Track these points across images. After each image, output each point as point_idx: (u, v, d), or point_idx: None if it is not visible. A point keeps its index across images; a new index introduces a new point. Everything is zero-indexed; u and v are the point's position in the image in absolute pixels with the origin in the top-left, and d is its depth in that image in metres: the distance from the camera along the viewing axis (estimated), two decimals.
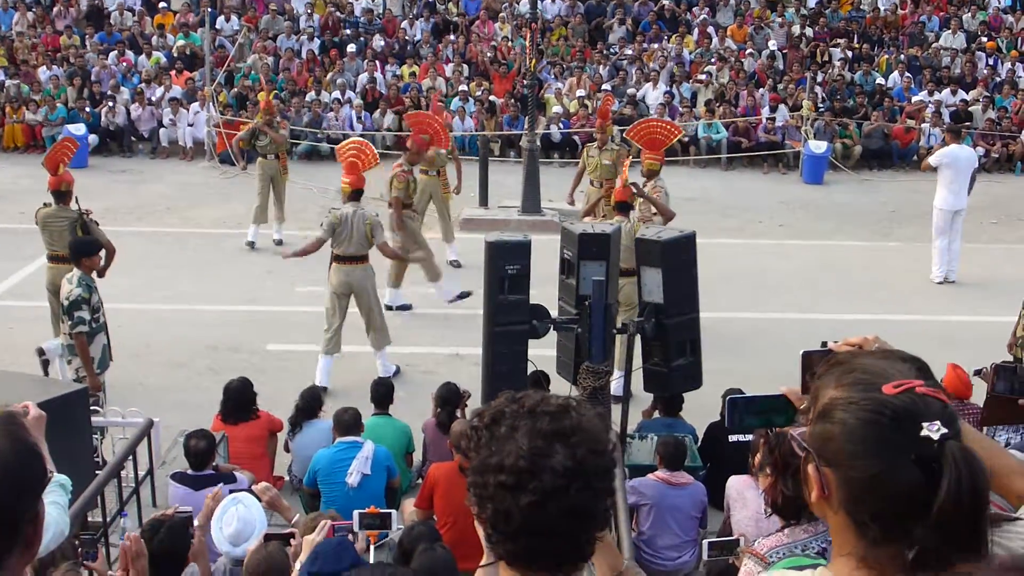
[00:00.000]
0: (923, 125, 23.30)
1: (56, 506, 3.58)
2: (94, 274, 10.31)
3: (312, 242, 11.65)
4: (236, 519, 5.70)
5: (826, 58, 26.17)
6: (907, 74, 25.30)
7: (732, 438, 8.78)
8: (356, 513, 5.49)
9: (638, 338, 8.82)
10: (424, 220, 14.90)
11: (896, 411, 1.82)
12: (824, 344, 7.41)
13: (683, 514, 7.98)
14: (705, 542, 6.14)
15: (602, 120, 15.03)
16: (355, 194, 11.69)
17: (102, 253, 10.84)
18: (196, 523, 5.87)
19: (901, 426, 1.81)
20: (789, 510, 3.90)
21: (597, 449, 2.14)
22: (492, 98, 23.80)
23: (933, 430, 1.78)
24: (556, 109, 23.31)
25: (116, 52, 25.44)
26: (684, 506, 7.99)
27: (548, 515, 2.08)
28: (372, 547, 4.83)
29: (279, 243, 16.18)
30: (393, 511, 5.25)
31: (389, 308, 13.34)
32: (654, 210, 12.06)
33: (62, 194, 11.48)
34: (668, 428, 9.29)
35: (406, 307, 13.98)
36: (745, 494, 7.50)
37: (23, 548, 2.19)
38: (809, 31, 27.19)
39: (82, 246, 10.23)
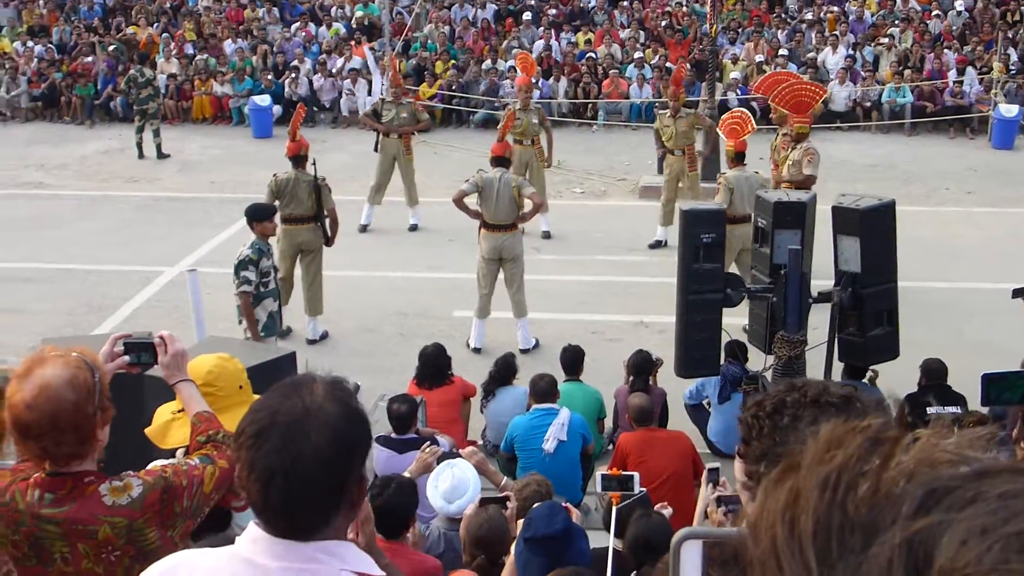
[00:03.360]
0: None
1: None
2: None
3: (457, 197, 11.60)
4: (451, 477, 5.84)
5: (1017, 17, 25.16)
6: None
7: (931, 410, 8.62)
8: (599, 474, 5.57)
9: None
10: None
11: None
12: (1015, 292, 7.20)
13: None
14: None
15: (675, 88, 15.11)
16: (497, 160, 11.78)
17: (277, 219, 11.22)
18: (408, 473, 6.02)
19: None
20: None
21: None
22: (668, 65, 23.58)
23: None
24: (734, 75, 22.97)
25: (297, 24, 26.03)
26: None
27: None
28: (614, 507, 4.86)
29: (414, 228, 16.01)
30: (635, 473, 5.27)
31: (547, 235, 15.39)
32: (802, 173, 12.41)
33: (301, 158, 12.02)
34: None
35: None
36: None
37: (348, 508, 2.29)
38: None
39: (255, 211, 10.58)
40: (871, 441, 0.85)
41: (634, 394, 8.74)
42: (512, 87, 22.85)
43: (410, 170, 16.00)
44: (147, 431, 4.17)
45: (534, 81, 18.07)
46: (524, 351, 11.46)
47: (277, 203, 11.64)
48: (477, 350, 11.62)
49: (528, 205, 11.73)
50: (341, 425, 2.24)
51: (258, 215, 10.49)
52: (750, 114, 13.21)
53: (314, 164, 12.04)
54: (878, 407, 2.15)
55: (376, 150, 16.10)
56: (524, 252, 11.99)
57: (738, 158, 12.46)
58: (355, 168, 19.55)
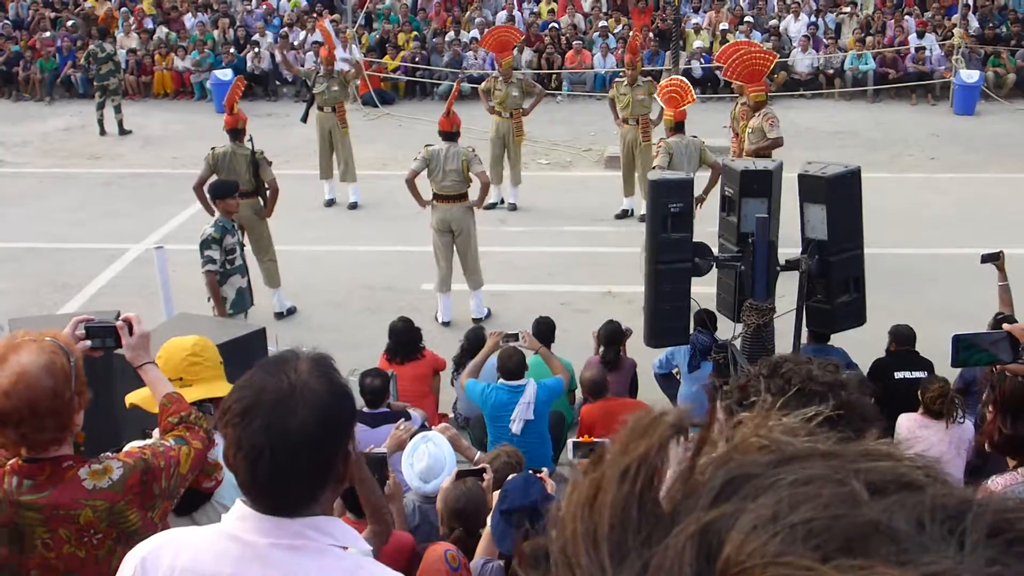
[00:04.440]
0: None
1: None
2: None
3: (409, 177, 11.70)
4: (427, 455, 5.84)
5: None
6: None
7: (899, 374, 8.70)
8: (570, 442, 5.59)
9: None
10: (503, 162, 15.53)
11: None
12: (984, 257, 7.27)
13: None
14: None
15: (632, 56, 15.10)
16: (445, 135, 11.78)
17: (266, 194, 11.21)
18: (383, 448, 6.02)
19: None
20: (1007, 448, 3.85)
21: (865, 429, 2.08)
22: (632, 33, 23.57)
23: None
24: (697, 44, 22.98)
25: None
26: None
27: None
28: None
29: (354, 206, 15.87)
30: (607, 440, 5.30)
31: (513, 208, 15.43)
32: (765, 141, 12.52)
33: (238, 132, 11.95)
34: (820, 354, 9.18)
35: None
36: (917, 433, 7.41)
37: (335, 484, 2.31)
38: None
39: (216, 189, 10.56)
40: (674, 430, 0.84)
41: (585, 367, 8.79)
42: (476, 58, 22.81)
43: (346, 144, 15.80)
44: (138, 401, 4.17)
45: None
46: (476, 320, 11.49)
47: (214, 177, 11.62)
48: (446, 324, 11.66)
49: (476, 188, 11.79)
50: (327, 402, 2.26)
51: (219, 192, 10.45)
52: (690, 84, 13.23)
53: (251, 139, 11.95)
54: (862, 390, 2.15)
55: (304, 120, 15.88)
56: (486, 224, 12.04)
57: (677, 127, 12.44)
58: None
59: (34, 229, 15.00)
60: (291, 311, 12.18)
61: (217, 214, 10.35)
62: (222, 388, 4.19)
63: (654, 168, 11.54)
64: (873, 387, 2.31)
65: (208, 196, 10.69)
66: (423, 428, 6.96)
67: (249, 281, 10.78)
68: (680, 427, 0.84)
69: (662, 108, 13.22)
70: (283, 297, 12.18)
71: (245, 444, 2.22)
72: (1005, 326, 3.03)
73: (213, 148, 11.98)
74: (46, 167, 18.55)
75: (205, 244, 10.15)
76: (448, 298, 11.82)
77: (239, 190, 11.37)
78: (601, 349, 9.17)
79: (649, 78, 15.20)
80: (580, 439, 5.89)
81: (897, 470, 0.78)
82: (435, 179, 11.58)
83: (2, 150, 19.66)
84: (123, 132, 20.40)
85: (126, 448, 3.58)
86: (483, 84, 15.88)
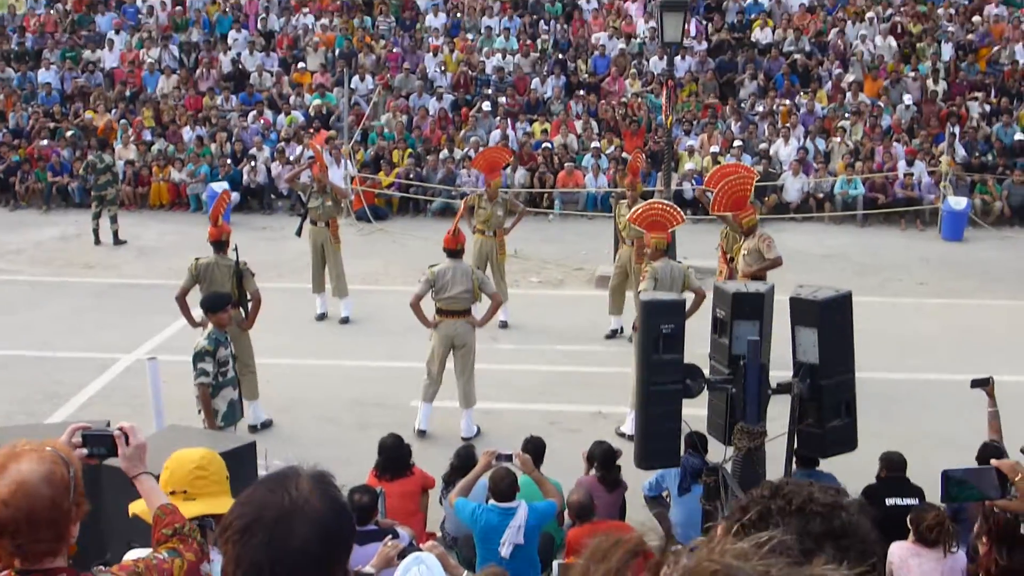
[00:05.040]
0: None
1: None
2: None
3: (413, 301, 11.79)
4: None
5: (963, 111, 25.69)
6: None
7: (890, 501, 8.66)
8: (556, 564, 5.53)
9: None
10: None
11: None
12: (974, 383, 7.35)
13: None
14: None
15: (632, 177, 15.18)
16: (450, 253, 11.95)
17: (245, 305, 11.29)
18: (370, 567, 5.96)
19: None
20: None
21: (866, 551, 2.08)
22: (624, 155, 23.87)
23: None
24: (689, 166, 23.26)
25: (255, 112, 26.13)
26: None
27: None
28: None
29: (345, 321, 15.87)
30: None
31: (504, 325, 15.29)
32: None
33: (222, 243, 12.04)
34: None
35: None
36: (909, 562, 7.37)
37: None
38: (944, 84, 26.70)
39: (211, 301, 10.61)
40: (631, 555, 0.86)
41: (572, 491, 8.75)
42: (469, 176, 23.04)
43: (337, 259, 15.81)
44: (140, 512, 4.15)
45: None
46: (466, 439, 11.45)
47: (197, 287, 11.81)
48: (422, 432, 11.68)
49: (485, 303, 11.98)
50: (327, 519, 2.26)
51: (212, 306, 10.51)
52: (676, 207, 12.97)
53: (235, 249, 12.05)
54: (862, 513, 2.15)
55: (298, 234, 16.02)
56: (477, 341, 12.11)
57: (663, 251, 12.10)
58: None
59: (24, 337, 15.00)
60: (266, 424, 12.10)
61: (210, 326, 10.39)
62: (226, 505, 4.19)
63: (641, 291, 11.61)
64: (873, 511, 2.31)
65: (201, 309, 10.73)
66: (411, 547, 6.89)
67: (240, 393, 10.78)
68: (638, 552, 0.86)
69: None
70: (259, 410, 12.11)
71: (245, 561, 2.21)
72: (993, 461, 3.06)
73: (197, 259, 12.09)
74: (40, 275, 18.62)
75: (199, 356, 10.17)
76: (429, 407, 11.86)
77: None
78: (594, 471, 9.13)
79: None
80: (566, 561, 5.85)
81: None
82: (440, 297, 11.68)
83: None
84: (118, 242, 20.51)
85: (124, 559, 3.56)
86: (467, 199, 16.03)
